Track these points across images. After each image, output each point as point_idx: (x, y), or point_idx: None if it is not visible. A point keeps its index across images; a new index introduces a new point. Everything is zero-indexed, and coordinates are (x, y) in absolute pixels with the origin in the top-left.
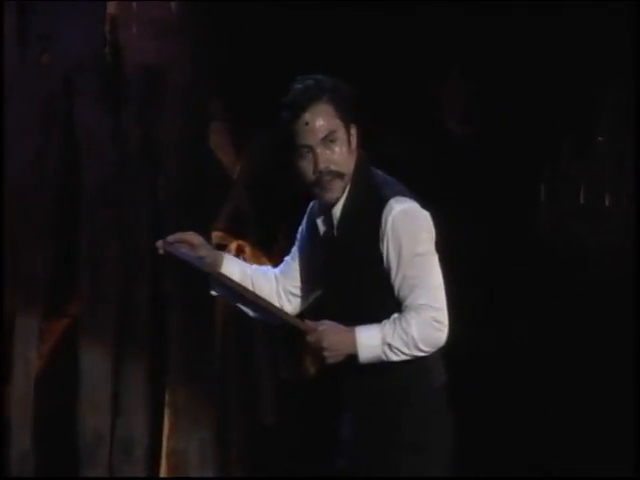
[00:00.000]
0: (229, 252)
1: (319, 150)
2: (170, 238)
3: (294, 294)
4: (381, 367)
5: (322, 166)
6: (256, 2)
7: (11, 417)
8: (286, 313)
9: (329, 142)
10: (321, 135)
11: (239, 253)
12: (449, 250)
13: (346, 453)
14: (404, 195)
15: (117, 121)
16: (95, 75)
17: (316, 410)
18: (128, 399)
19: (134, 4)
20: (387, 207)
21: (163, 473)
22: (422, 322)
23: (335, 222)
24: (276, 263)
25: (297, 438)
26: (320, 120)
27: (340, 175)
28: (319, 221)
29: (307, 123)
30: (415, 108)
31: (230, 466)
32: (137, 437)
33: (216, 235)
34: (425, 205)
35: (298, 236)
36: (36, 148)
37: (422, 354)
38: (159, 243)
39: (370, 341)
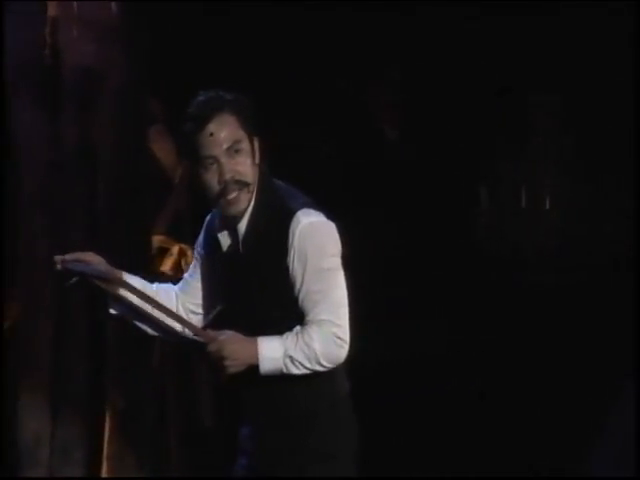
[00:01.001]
0: (171, 255)
1: (224, 160)
2: (68, 257)
3: (194, 312)
4: (286, 376)
5: (228, 176)
6: (196, 2)
7: None
8: (187, 322)
9: (234, 152)
10: (226, 145)
11: (181, 257)
12: (383, 254)
13: (248, 465)
14: (310, 207)
15: (55, 123)
16: (33, 77)
17: None
18: (67, 401)
19: (75, 5)
20: (294, 220)
21: (104, 475)
22: (324, 337)
23: (240, 237)
24: None
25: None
26: (224, 130)
27: (246, 184)
28: (221, 236)
29: (211, 134)
30: (348, 113)
31: (168, 469)
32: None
33: (157, 239)
34: (334, 216)
35: (195, 253)
36: None
37: (322, 369)
38: (57, 258)
39: (272, 353)
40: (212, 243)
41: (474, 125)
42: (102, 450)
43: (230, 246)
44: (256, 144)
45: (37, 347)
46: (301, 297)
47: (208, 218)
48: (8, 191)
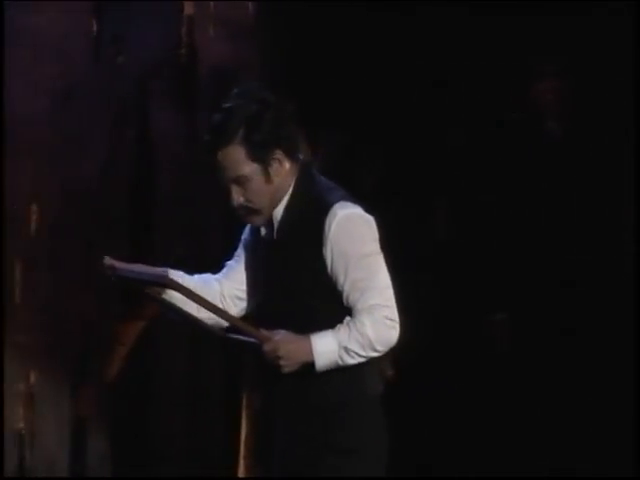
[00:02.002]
0: None
1: (232, 187)
2: (118, 264)
3: (240, 297)
4: (313, 374)
5: (236, 203)
6: (331, 4)
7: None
8: (241, 322)
9: (241, 182)
10: (231, 177)
11: None
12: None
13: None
14: (347, 200)
15: (192, 123)
16: (170, 76)
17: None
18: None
19: (211, 4)
20: (330, 213)
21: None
22: (376, 322)
23: (275, 225)
24: None
25: None
26: (230, 163)
27: (256, 211)
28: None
29: (218, 162)
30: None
31: None
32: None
33: None
34: (370, 210)
35: (242, 238)
36: (109, 150)
37: (377, 354)
38: (107, 262)
39: (326, 347)
40: (254, 228)
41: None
42: (239, 450)
43: (267, 233)
44: (279, 157)
45: (174, 346)
46: (347, 288)
47: None
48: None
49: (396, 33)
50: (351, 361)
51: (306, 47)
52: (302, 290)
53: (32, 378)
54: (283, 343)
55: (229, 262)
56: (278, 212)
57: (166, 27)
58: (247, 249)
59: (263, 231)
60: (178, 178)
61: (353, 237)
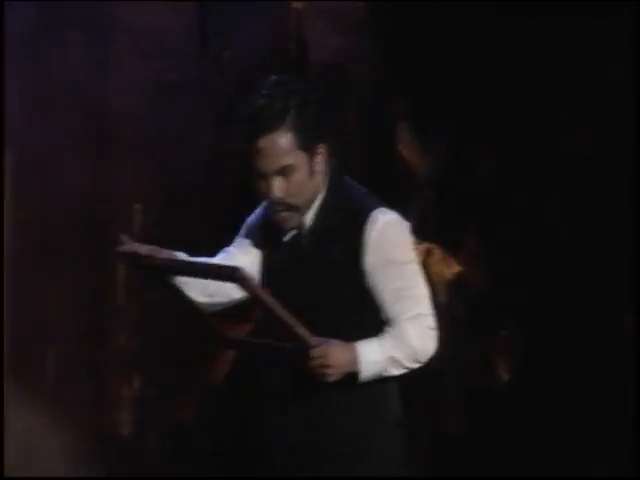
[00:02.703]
0: (417, 255)
1: (272, 179)
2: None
3: (224, 292)
4: (331, 398)
5: (275, 197)
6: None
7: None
8: (297, 323)
9: (284, 173)
10: (274, 167)
11: (426, 256)
12: None
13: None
14: (384, 206)
15: None
16: (277, 72)
17: (506, 419)
18: None
19: None
20: (370, 219)
21: None
22: (420, 332)
23: (305, 230)
24: (464, 265)
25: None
26: (277, 151)
27: (295, 208)
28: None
29: (260, 150)
30: None
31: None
32: None
33: None
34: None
35: (249, 227)
36: (213, 147)
37: (417, 367)
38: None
39: (373, 357)
40: (272, 227)
41: None
42: None
43: (292, 238)
44: (321, 150)
45: None
46: (388, 297)
47: (263, 205)
48: None
49: (513, 32)
50: (395, 372)
51: (417, 42)
52: (331, 302)
53: (136, 382)
54: (334, 349)
55: (229, 249)
56: (308, 216)
57: (273, 21)
58: (258, 246)
59: (287, 235)
60: None
61: (395, 244)
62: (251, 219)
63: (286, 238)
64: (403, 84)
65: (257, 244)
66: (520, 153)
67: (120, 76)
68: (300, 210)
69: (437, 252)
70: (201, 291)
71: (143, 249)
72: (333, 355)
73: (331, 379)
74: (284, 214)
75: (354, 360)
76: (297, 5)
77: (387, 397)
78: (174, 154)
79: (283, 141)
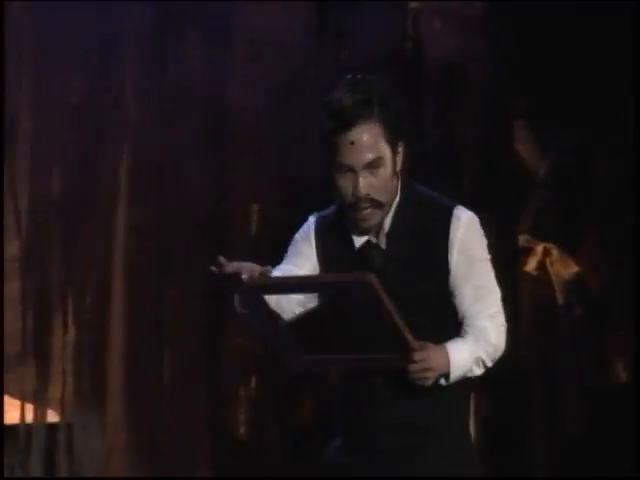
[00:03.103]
0: (534, 255)
1: (361, 173)
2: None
3: (302, 304)
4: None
5: (362, 192)
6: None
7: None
8: (404, 324)
9: (373, 167)
10: (366, 160)
11: (545, 256)
12: None
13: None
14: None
15: (417, 119)
16: (395, 71)
17: (624, 418)
18: None
19: None
20: (454, 216)
21: None
22: (498, 330)
23: (384, 234)
24: (582, 265)
25: (604, 447)
26: (368, 143)
27: (380, 205)
28: (354, 234)
29: (352, 142)
30: None
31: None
32: None
33: (522, 237)
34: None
35: (301, 244)
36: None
37: (492, 365)
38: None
39: (461, 359)
40: (333, 242)
41: None
42: None
43: (366, 244)
44: (400, 150)
45: None
46: (468, 294)
47: (315, 218)
48: None
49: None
50: (478, 373)
51: (535, 41)
52: (414, 303)
53: (252, 382)
54: (433, 355)
55: (279, 267)
56: (387, 222)
57: (391, 21)
58: (321, 258)
59: (359, 243)
60: (402, 175)
61: (477, 241)
62: (303, 234)
63: (358, 245)
64: (521, 83)
65: (320, 257)
66: (637, 152)
67: (238, 76)
68: (383, 208)
69: (555, 252)
70: (299, 302)
71: (244, 269)
72: (433, 358)
73: (429, 383)
74: (367, 212)
75: (446, 363)
76: (414, 5)
77: (466, 397)
78: (291, 154)
79: (374, 133)
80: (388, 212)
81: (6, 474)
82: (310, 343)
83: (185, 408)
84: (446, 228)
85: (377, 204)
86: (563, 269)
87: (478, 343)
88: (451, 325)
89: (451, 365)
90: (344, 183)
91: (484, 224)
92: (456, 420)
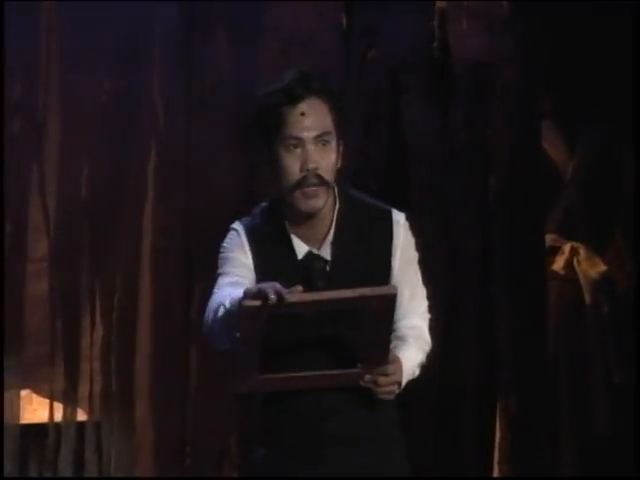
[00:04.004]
0: (562, 254)
1: (310, 147)
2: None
3: None
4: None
5: (311, 166)
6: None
7: None
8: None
9: (321, 144)
10: (315, 132)
11: (573, 255)
12: None
13: None
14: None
15: (444, 119)
16: (422, 71)
17: None
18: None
19: None
20: (394, 220)
21: None
22: (428, 326)
23: (328, 241)
24: (610, 264)
25: (632, 446)
26: (317, 115)
27: (326, 184)
28: (295, 242)
29: (303, 113)
30: None
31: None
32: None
33: (549, 237)
34: None
35: (236, 254)
36: (360, 147)
37: None
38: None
39: (410, 366)
40: (271, 251)
41: None
42: (492, 454)
43: (309, 254)
44: (341, 145)
45: None
46: (407, 295)
47: (241, 227)
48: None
49: None
50: (417, 374)
51: (563, 41)
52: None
53: None
54: (401, 367)
55: (230, 279)
56: (325, 227)
57: (418, 20)
58: (263, 273)
59: (301, 252)
60: (430, 175)
61: (412, 242)
62: (235, 245)
63: (300, 256)
64: (549, 83)
65: (258, 268)
66: None
67: (266, 76)
68: (328, 190)
69: (583, 251)
70: None
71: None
72: (400, 370)
73: (392, 397)
74: (314, 189)
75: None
76: (441, 4)
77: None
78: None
79: (323, 109)
80: (331, 220)
81: (35, 473)
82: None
83: (213, 407)
84: (389, 232)
85: (324, 182)
86: (590, 268)
87: (418, 344)
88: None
89: (403, 373)
90: (290, 159)
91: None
92: (390, 428)
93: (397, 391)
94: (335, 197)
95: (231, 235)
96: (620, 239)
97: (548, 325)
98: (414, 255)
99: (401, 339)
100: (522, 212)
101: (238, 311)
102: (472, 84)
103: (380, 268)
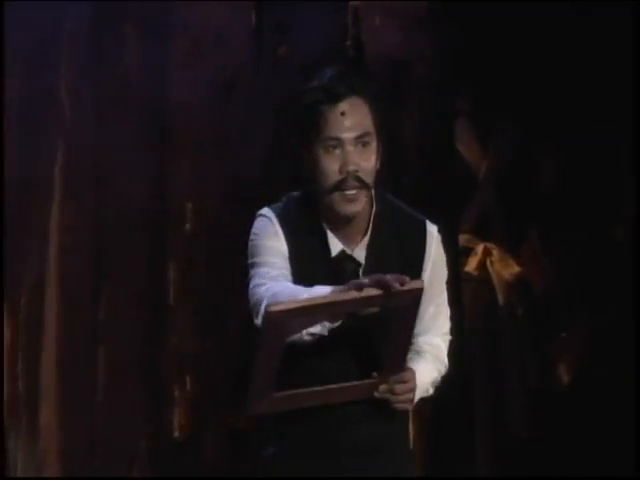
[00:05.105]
0: (475, 255)
1: (350, 148)
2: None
3: None
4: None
5: (351, 167)
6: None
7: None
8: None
9: (362, 144)
10: (356, 133)
11: (486, 256)
12: None
13: None
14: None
15: None
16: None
17: (572, 421)
18: None
19: None
20: (428, 232)
21: None
22: (446, 349)
23: (365, 243)
24: (525, 265)
25: (552, 451)
26: (358, 115)
27: (366, 187)
28: (330, 239)
29: (343, 113)
30: None
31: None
32: None
33: (463, 237)
34: None
35: (279, 247)
36: (271, 145)
37: None
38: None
39: (425, 381)
40: (307, 245)
41: None
42: None
43: (342, 252)
44: (380, 145)
45: None
46: (432, 312)
47: (273, 215)
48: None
49: (575, 30)
50: (431, 392)
51: (482, 41)
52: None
53: (189, 383)
54: (415, 377)
55: (270, 274)
56: (363, 228)
57: (331, 18)
58: (296, 266)
59: (336, 249)
60: None
61: (444, 259)
62: (270, 234)
63: (334, 253)
64: (463, 82)
65: (292, 260)
66: (582, 151)
67: (177, 73)
68: (368, 191)
69: (496, 252)
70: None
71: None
72: (414, 379)
73: (409, 407)
74: (354, 192)
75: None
76: (354, 2)
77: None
78: (231, 151)
79: (364, 109)
80: (367, 223)
81: None
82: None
83: (121, 409)
84: (422, 244)
85: (364, 185)
86: (504, 269)
87: (435, 363)
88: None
89: (418, 389)
90: (329, 160)
91: None
92: (404, 440)
93: (411, 406)
94: (372, 199)
95: (262, 221)
96: (535, 239)
97: (462, 327)
98: (444, 272)
99: (418, 353)
100: (435, 212)
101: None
102: (387, 81)
103: (412, 277)
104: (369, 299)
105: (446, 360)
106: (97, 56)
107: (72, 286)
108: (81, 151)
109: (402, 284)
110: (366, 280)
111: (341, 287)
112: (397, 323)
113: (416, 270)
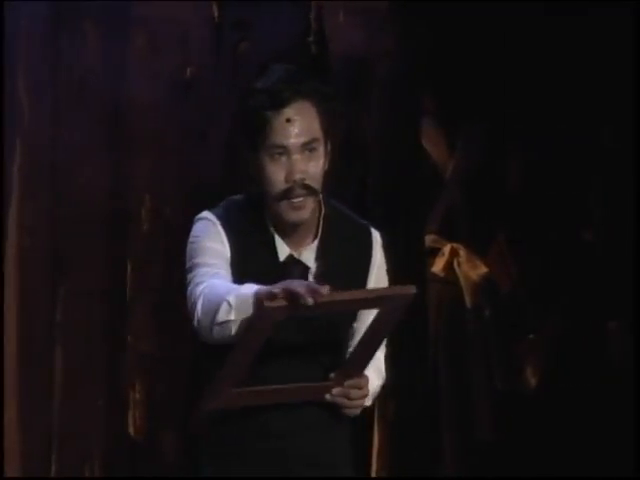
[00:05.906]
0: (442, 255)
1: (296, 156)
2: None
3: None
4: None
5: (297, 176)
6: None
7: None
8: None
9: (309, 150)
10: (303, 139)
11: (452, 257)
12: None
13: None
14: None
15: None
16: (297, 65)
17: (539, 424)
18: None
19: None
20: (373, 236)
21: None
22: (383, 360)
23: (314, 249)
24: (492, 266)
25: (518, 454)
26: (305, 121)
27: (314, 193)
28: (278, 243)
29: (289, 120)
30: None
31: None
32: None
33: (429, 238)
34: None
35: (222, 251)
36: (230, 144)
37: None
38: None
39: (373, 387)
40: (252, 249)
41: None
42: (370, 464)
43: (290, 256)
44: (329, 147)
45: None
46: (371, 317)
47: (214, 216)
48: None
49: (541, 30)
50: (370, 402)
51: (443, 38)
52: (341, 325)
53: (148, 384)
54: (368, 381)
55: (213, 272)
56: (311, 232)
57: (294, 14)
58: (240, 271)
59: (284, 254)
60: None
61: (385, 265)
62: (213, 236)
63: (282, 258)
64: (428, 80)
65: (235, 265)
66: (550, 151)
67: (136, 71)
68: (315, 200)
69: (463, 252)
70: None
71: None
72: (367, 386)
73: (358, 412)
74: (301, 200)
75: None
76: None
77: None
78: (190, 150)
79: (311, 114)
80: (316, 227)
81: None
82: None
83: (79, 409)
84: (369, 248)
85: (312, 191)
86: (471, 270)
87: (377, 373)
88: (346, 349)
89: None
90: (274, 168)
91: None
92: (348, 451)
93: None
94: (321, 203)
95: (204, 224)
96: (503, 240)
97: (428, 328)
98: (385, 279)
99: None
100: (401, 212)
101: (256, 312)
102: (349, 79)
103: (356, 285)
104: (365, 301)
105: (384, 372)
106: (55, 55)
107: (30, 285)
108: (39, 151)
109: (317, 298)
110: (277, 290)
111: (267, 287)
112: (377, 326)
113: (363, 274)
